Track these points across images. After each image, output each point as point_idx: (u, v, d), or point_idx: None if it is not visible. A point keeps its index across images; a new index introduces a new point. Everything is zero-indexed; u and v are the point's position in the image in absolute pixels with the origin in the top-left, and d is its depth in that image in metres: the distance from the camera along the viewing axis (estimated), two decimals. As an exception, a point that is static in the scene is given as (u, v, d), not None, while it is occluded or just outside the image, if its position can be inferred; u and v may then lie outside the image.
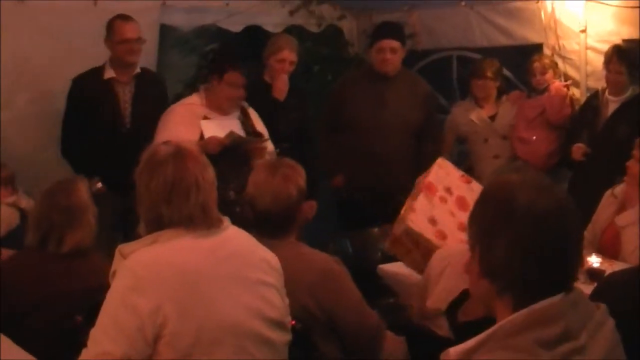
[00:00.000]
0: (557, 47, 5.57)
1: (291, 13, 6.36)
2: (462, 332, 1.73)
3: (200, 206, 2.40)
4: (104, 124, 4.80)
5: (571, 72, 5.59)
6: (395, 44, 5.32)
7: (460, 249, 3.34)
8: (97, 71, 4.86)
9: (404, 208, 3.84)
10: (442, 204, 3.74)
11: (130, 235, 2.49)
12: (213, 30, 6.49)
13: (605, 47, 5.19)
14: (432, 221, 3.66)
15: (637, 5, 5.13)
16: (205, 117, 4.69)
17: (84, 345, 2.29)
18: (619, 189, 4.16)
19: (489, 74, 5.54)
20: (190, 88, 6.58)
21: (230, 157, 4.47)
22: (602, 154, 4.87)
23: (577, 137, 5.11)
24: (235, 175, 4.33)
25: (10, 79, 4.85)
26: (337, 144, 5.44)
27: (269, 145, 4.82)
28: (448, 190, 3.80)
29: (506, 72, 5.95)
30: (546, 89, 5.38)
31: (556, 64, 5.48)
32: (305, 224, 3.42)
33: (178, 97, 6.28)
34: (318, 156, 5.28)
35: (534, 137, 5.41)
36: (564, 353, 1.57)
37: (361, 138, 5.34)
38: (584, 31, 5.46)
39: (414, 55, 6.38)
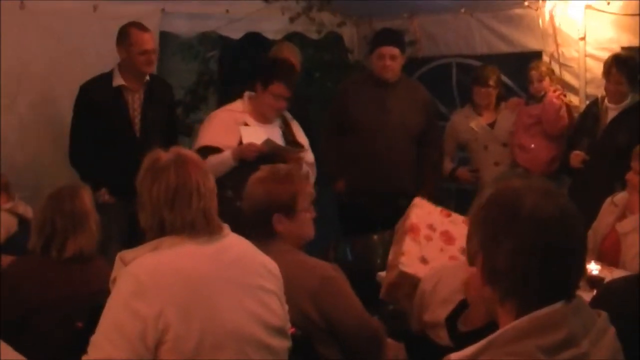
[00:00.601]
0: (556, 55, 5.58)
1: (291, 20, 6.38)
2: (463, 342, 1.73)
3: (201, 212, 2.41)
4: (113, 132, 4.76)
5: (570, 79, 5.59)
6: (395, 50, 5.33)
7: (449, 264, 3.37)
8: (106, 78, 4.81)
9: (391, 255, 3.87)
10: (429, 243, 3.77)
11: (136, 243, 2.49)
12: (214, 37, 6.51)
13: (604, 54, 5.20)
14: (424, 260, 3.68)
15: (636, 13, 5.14)
16: (245, 124, 4.70)
17: (85, 351, 2.29)
18: (619, 196, 4.18)
19: (491, 82, 5.56)
20: (191, 94, 6.61)
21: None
22: (601, 160, 4.88)
23: (577, 144, 5.12)
24: (237, 177, 4.33)
25: (11, 84, 4.86)
26: (339, 148, 5.45)
27: (308, 156, 4.83)
28: (431, 227, 3.83)
29: (506, 79, 5.96)
30: (544, 97, 5.39)
31: (553, 71, 5.49)
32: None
33: (179, 104, 6.29)
34: (319, 161, 5.28)
35: (532, 145, 5.42)
36: (566, 360, 1.57)
37: (364, 142, 5.35)
38: (583, 38, 5.47)
39: (415, 62, 6.39)
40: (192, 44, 6.82)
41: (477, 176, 5.66)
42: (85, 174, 4.67)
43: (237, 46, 7.16)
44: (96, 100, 4.74)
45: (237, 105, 4.82)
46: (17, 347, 2.81)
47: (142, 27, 4.78)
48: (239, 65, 7.50)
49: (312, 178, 4.90)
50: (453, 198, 6.65)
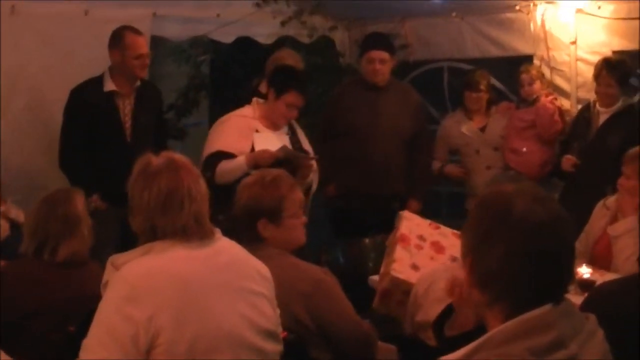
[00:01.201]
0: (547, 58, 5.60)
1: (283, 24, 6.36)
2: (449, 346, 1.74)
3: (193, 217, 2.41)
4: (104, 137, 4.74)
5: (562, 83, 5.60)
6: (384, 54, 5.34)
7: (444, 267, 3.38)
8: (96, 82, 4.77)
9: (383, 265, 3.89)
10: (419, 251, 3.81)
11: (129, 247, 2.49)
12: (205, 41, 6.51)
13: (595, 58, 5.21)
14: (415, 267, 3.71)
15: (627, 16, 5.16)
16: (257, 130, 4.69)
17: (77, 355, 2.29)
18: (610, 200, 4.19)
19: (482, 86, 5.58)
20: (183, 98, 6.61)
21: None
22: (593, 164, 4.88)
23: (569, 148, 5.13)
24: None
25: (3, 87, 4.85)
26: (332, 152, 5.46)
27: (314, 163, 4.83)
28: (421, 237, 3.87)
29: (497, 83, 5.98)
30: (535, 100, 5.40)
31: (543, 74, 5.51)
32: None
33: (170, 108, 6.29)
34: None
35: (525, 149, 5.43)
36: (555, 362, 1.58)
37: (356, 145, 5.36)
38: (574, 42, 5.48)
39: (406, 66, 6.40)
40: (184, 48, 6.82)
41: (464, 171, 5.67)
42: (74, 179, 4.62)
43: (229, 50, 7.17)
44: (87, 104, 4.71)
45: (248, 111, 4.77)
46: (12, 351, 2.81)
47: (136, 31, 4.76)
48: (230, 69, 7.51)
49: (315, 185, 4.91)
50: (444, 202, 6.67)
